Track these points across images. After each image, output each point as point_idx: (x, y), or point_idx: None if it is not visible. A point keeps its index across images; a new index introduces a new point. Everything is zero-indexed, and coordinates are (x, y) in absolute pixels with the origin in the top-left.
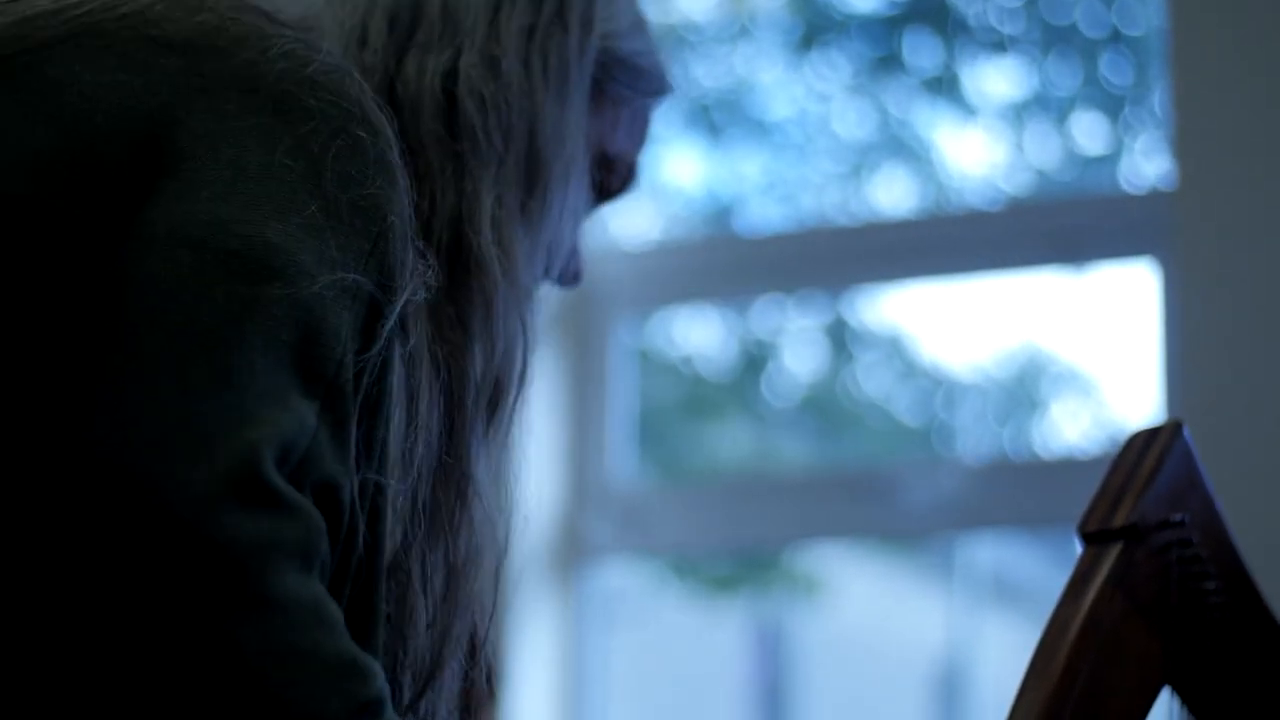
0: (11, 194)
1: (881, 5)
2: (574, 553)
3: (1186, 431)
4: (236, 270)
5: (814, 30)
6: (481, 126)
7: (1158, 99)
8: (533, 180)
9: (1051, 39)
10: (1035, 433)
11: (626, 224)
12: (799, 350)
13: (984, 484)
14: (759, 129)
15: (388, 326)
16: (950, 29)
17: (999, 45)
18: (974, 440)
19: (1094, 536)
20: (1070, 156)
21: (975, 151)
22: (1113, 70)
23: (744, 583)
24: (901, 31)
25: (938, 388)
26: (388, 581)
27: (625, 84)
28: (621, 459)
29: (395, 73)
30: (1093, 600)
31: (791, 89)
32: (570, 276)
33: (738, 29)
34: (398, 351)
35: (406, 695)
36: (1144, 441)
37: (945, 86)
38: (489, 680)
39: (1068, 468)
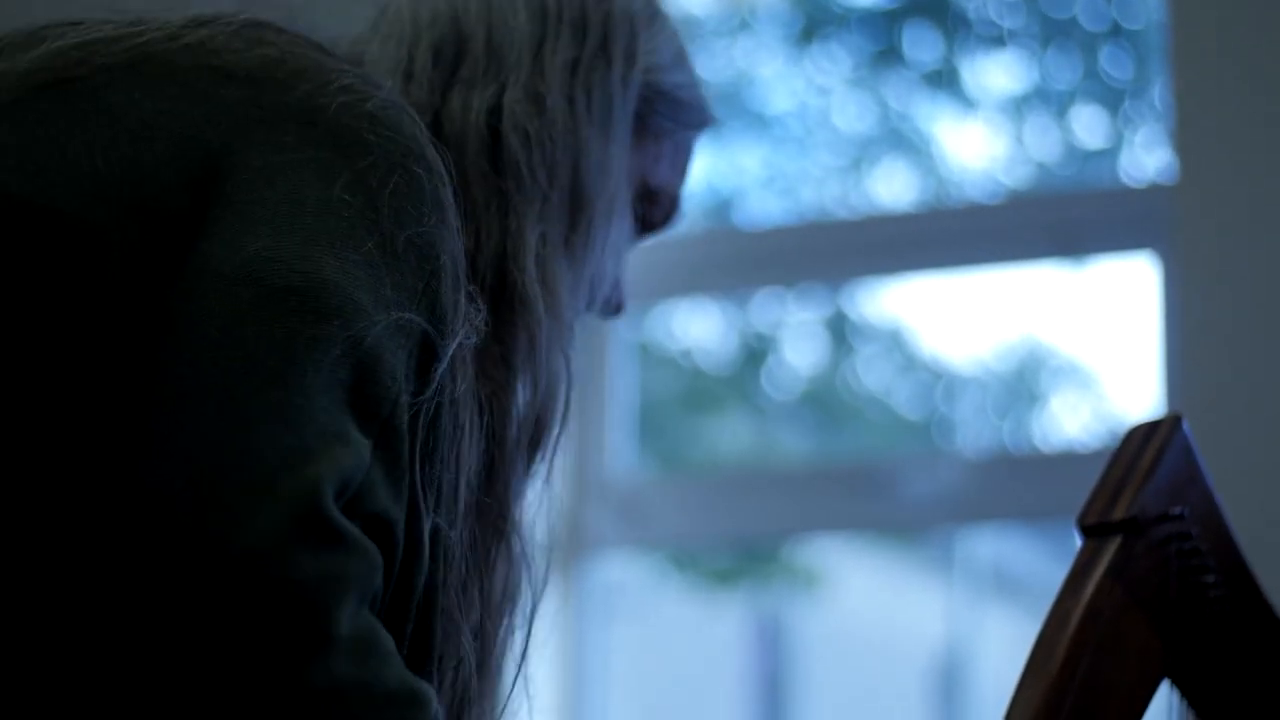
0: (66, 213)
1: None
2: (573, 545)
3: (1186, 425)
4: (295, 308)
5: (814, 24)
6: (526, 163)
7: (1158, 93)
8: (576, 216)
9: (1051, 32)
10: (1035, 426)
11: None
12: (799, 343)
13: (984, 477)
14: (759, 122)
15: (441, 369)
16: (950, 22)
17: (999, 39)
18: (974, 433)
19: (1093, 529)
20: (1070, 150)
21: (975, 145)
22: (1113, 64)
23: (744, 576)
24: (901, 25)
25: (938, 381)
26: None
27: (668, 117)
28: (621, 452)
29: (440, 108)
30: (1092, 593)
31: (791, 82)
32: (613, 308)
33: (738, 22)
34: (449, 393)
35: None
36: (1143, 435)
37: (945, 80)
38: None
39: (1067, 461)
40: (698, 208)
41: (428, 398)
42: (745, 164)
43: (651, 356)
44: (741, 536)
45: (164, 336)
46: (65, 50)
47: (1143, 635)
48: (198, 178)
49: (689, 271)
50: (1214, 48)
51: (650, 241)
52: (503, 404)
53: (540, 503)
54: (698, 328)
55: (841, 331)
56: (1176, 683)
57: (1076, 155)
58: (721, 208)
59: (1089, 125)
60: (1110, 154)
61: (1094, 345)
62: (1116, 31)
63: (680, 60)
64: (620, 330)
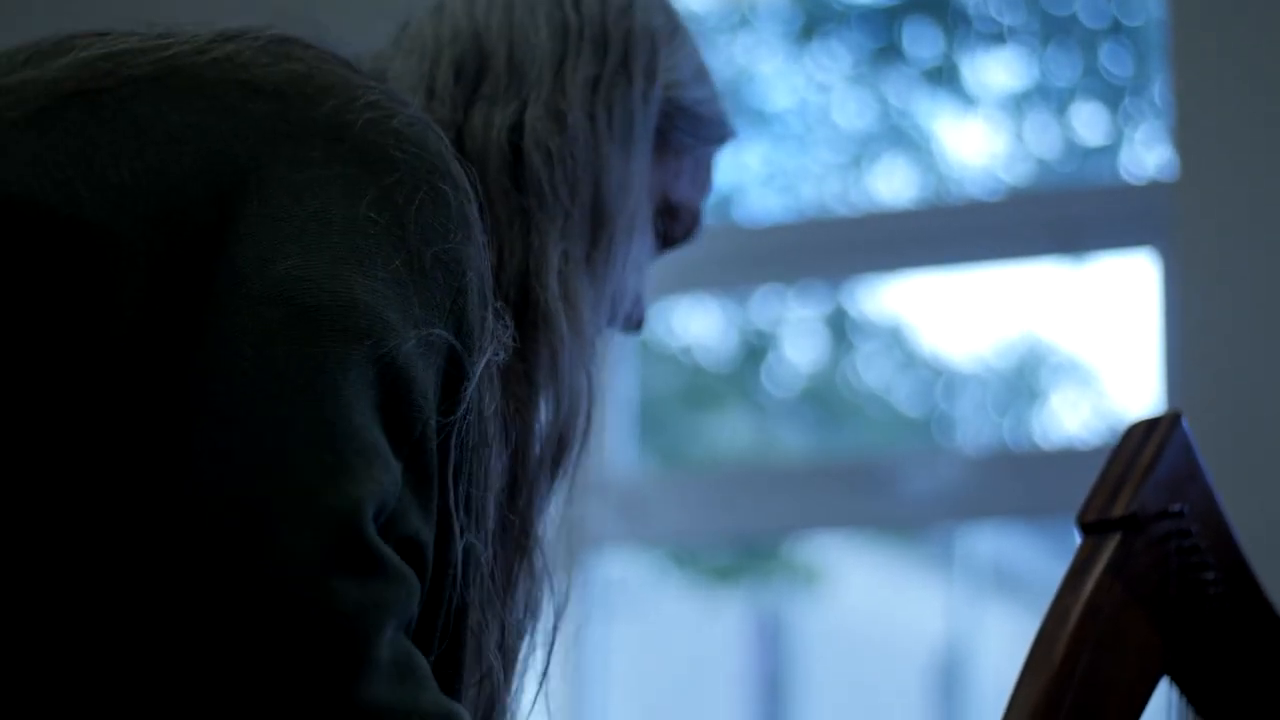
0: (92, 223)
1: None
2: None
3: (1185, 422)
4: (328, 327)
5: (814, 20)
6: (548, 180)
7: (1158, 90)
8: (598, 233)
9: (1051, 29)
10: (1035, 423)
11: None
12: (799, 340)
13: (984, 474)
14: (759, 119)
15: (470, 389)
16: (950, 19)
17: (999, 36)
18: (974, 430)
19: (1093, 526)
20: (1070, 147)
21: (975, 142)
22: (1113, 61)
23: (744, 573)
24: (901, 22)
25: (938, 378)
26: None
27: (688, 133)
28: (621, 449)
29: (463, 125)
30: (1091, 590)
31: (791, 79)
32: (634, 324)
33: (738, 19)
34: (479, 411)
35: None
36: (1143, 432)
37: (945, 77)
38: None
39: (1067, 458)
40: None
41: (458, 417)
42: (745, 161)
43: (651, 353)
44: (742, 534)
45: (195, 352)
46: (93, 60)
47: (1142, 632)
48: (224, 191)
49: (689, 268)
50: (1214, 45)
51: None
52: (525, 421)
53: (562, 519)
54: (698, 324)
55: (842, 328)
56: (1176, 680)
57: (1076, 152)
58: (722, 204)
59: (1089, 122)
60: (1110, 151)
61: (1094, 342)
62: (1117, 28)
63: (701, 76)
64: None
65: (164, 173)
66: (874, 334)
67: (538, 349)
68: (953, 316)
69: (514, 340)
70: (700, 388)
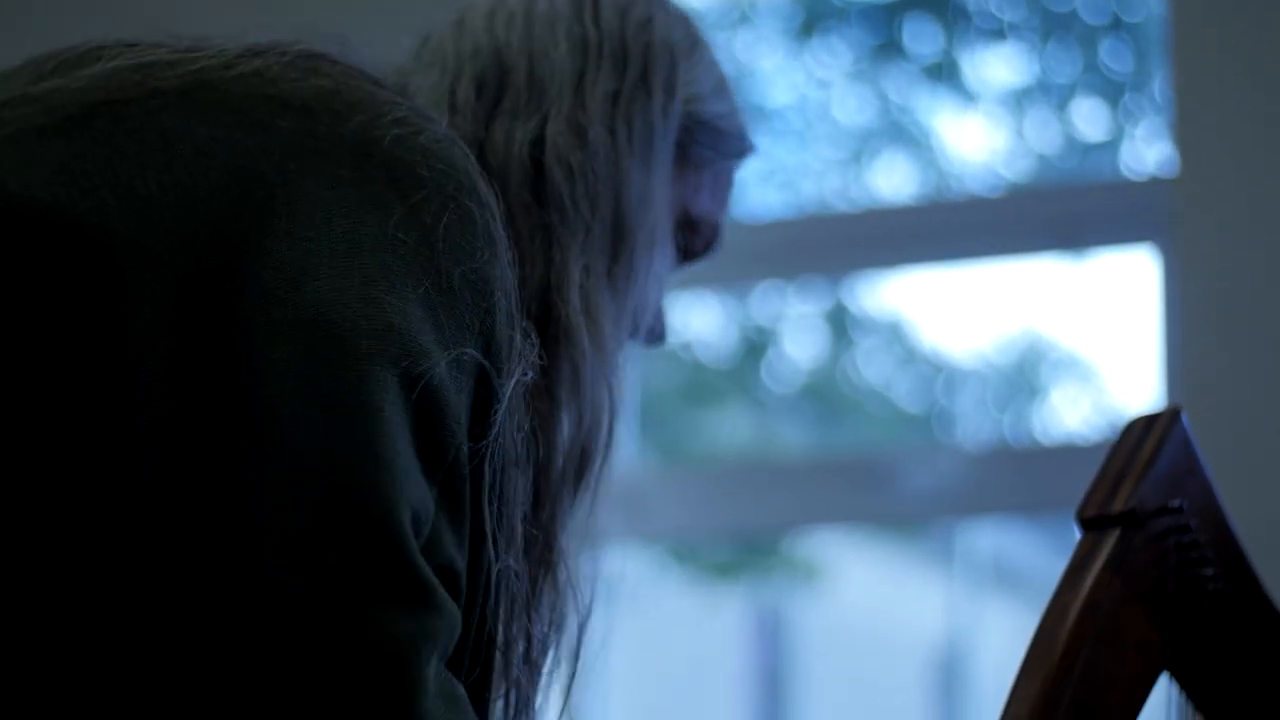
0: (118, 232)
1: None
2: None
3: (1185, 418)
4: (363, 353)
5: (814, 17)
6: (569, 195)
7: (1158, 86)
8: (619, 247)
9: (1051, 25)
10: (1035, 419)
11: None
12: (799, 336)
13: (984, 470)
14: (759, 115)
15: (501, 411)
16: (950, 15)
17: (999, 32)
18: (974, 426)
19: (1092, 522)
20: (1070, 143)
21: (975, 138)
22: (1113, 57)
23: (744, 569)
24: (902, 18)
25: (938, 374)
26: None
27: (708, 146)
28: (621, 445)
29: (484, 140)
30: (1091, 586)
31: (792, 75)
32: (655, 336)
33: (738, 15)
34: (510, 432)
35: None
36: (1142, 427)
37: (945, 73)
38: None
39: (1067, 454)
40: None
41: (490, 441)
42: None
43: (651, 349)
44: (741, 529)
45: (230, 375)
46: (121, 71)
47: (1142, 628)
48: (252, 207)
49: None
50: (1214, 41)
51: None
52: (548, 436)
53: (586, 532)
54: (698, 320)
55: (842, 324)
56: (1175, 675)
57: (1077, 148)
58: None
59: (1089, 118)
60: (1110, 147)
61: (1094, 338)
62: (1117, 24)
63: (721, 90)
64: None
65: (191, 186)
66: (874, 330)
67: (559, 363)
68: (953, 312)
69: (540, 358)
70: (700, 384)
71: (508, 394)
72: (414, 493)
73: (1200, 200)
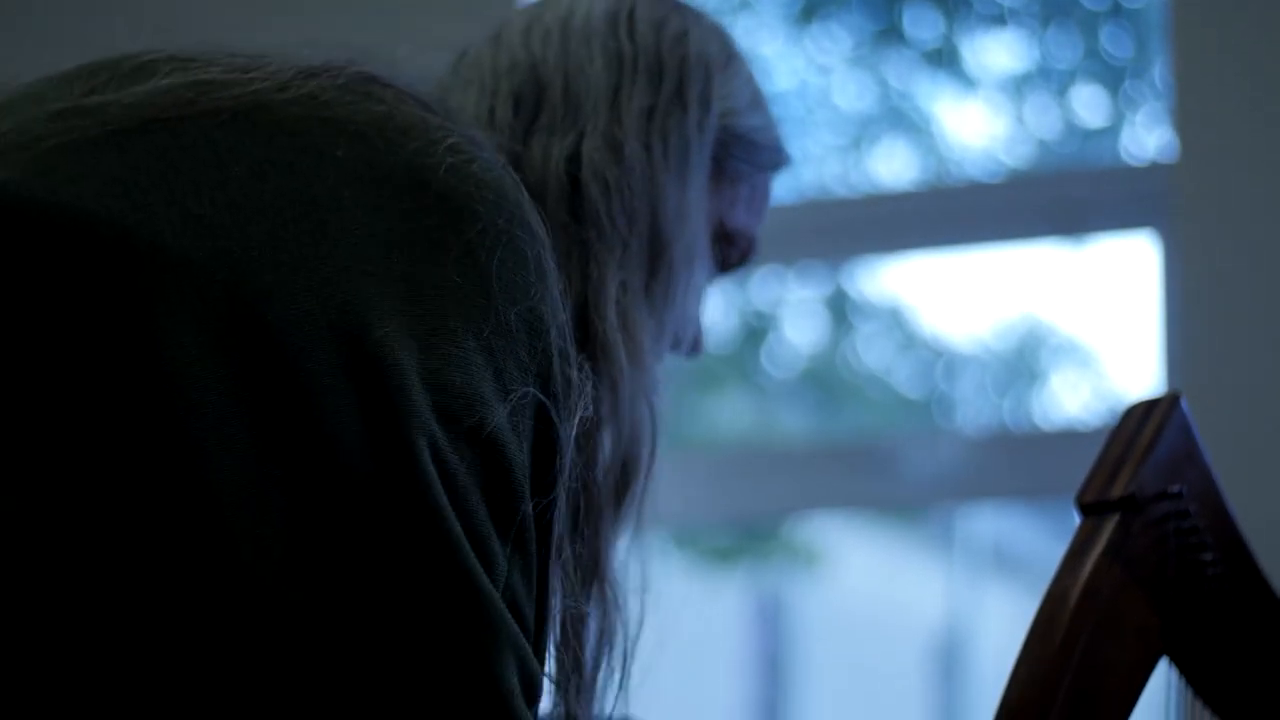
0: (170, 249)
1: None
2: None
3: (1185, 403)
4: (432, 406)
5: (814, 3)
6: (606, 211)
7: (1158, 71)
8: (656, 262)
9: (1052, 11)
10: (1035, 404)
11: None
12: (799, 322)
13: (984, 455)
14: None
15: (564, 462)
16: (950, 1)
17: (999, 18)
18: (974, 411)
19: (1091, 507)
20: (1070, 129)
21: (975, 124)
22: (1113, 43)
23: (744, 554)
24: (902, 4)
25: (938, 359)
26: None
27: (744, 160)
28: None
29: (521, 155)
30: (1090, 571)
31: (792, 61)
32: (694, 348)
33: (738, 1)
34: (574, 474)
35: None
36: (1142, 413)
37: (945, 59)
38: None
39: (1067, 439)
40: None
41: (556, 494)
42: None
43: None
44: (742, 515)
45: (291, 407)
46: (176, 89)
47: (1141, 613)
48: (306, 232)
49: None
50: (1214, 26)
51: None
52: (589, 453)
53: (632, 546)
54: None
55: (842, 310)
56: (1175, 660)
57: (1077, 134)
58: None
59: (1089, 104)
60: (1110, 133)
61: (1094, 324)
62: (1117, 11)
63: (756, 103)
64: None
65: (243, 207)
66: (874, 315)
67: (598, 381)
68: (953, 298)
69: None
70: (700, 369)
71: (571, 438)
72: (501, 556)
73: (1200, 186)
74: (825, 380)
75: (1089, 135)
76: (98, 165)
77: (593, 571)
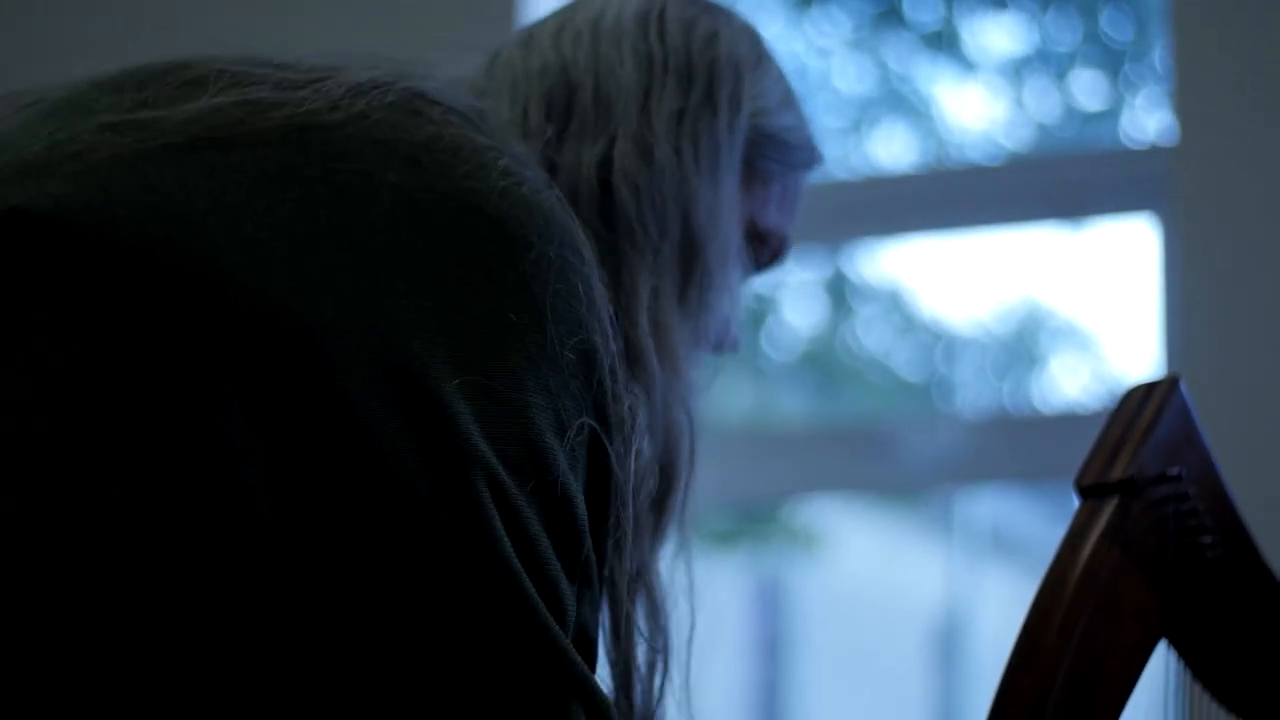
0: (224, 269)
1: None
2: None
3: (1184, 386)
4: (503, 462)
5: None
6: (637, 217)
7: (1158, 55)
8: (689, 266)
9: None
10: (1034, 387)
11: None
12: (799, 305)
13: (983, 439)
14: None
15: (623, 488)
16: None
17: (999, 1)
18: (973, 395)
19: (1090, 490)
20: (1070, 112)
21: (975, 107)
22: (1113, 26)
23: (743, 537)
24: None
25: (937, 342)
26: None
27: (775, 160)
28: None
29: (554, 160)
30: (1089, 554)
31: (792, 44)
32: (728, 346)
33: None
34: (630, 505)
35: None
36: (1141, 396)
37: (945, 42)
38: None
39: (1067, 422)
40: None
41: (610, 520)
42: None
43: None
44: (741, 498)
45: (346, 449)
46: (226, 108)
47: (1140, 596)
48: (362, 260)
49: None
50: (1214, 10)
51: None
52: (633, 466)
53: (678, 550)
54: None
55: (841, 293)
56: (1174, 643)
57: (1076, 117)
58: None
59: (1089, 87)
60: (1110, 116)
61: (1093, 307)
62: None
63: (787, 102)
64: None
65: (293, 231)
66: (873, 298)
67: (632, 388)
68: (952, 281)
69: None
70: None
71: (631, 471)
72: (563, 605)
73: (1200, 169)
74: (825, 363)
75: (1089, 118)
76: (153, 183)
77: (637, 580)
